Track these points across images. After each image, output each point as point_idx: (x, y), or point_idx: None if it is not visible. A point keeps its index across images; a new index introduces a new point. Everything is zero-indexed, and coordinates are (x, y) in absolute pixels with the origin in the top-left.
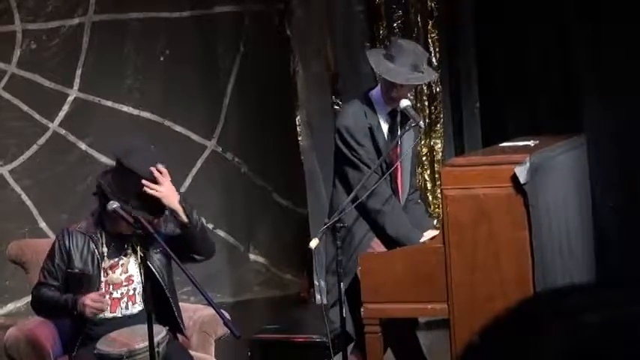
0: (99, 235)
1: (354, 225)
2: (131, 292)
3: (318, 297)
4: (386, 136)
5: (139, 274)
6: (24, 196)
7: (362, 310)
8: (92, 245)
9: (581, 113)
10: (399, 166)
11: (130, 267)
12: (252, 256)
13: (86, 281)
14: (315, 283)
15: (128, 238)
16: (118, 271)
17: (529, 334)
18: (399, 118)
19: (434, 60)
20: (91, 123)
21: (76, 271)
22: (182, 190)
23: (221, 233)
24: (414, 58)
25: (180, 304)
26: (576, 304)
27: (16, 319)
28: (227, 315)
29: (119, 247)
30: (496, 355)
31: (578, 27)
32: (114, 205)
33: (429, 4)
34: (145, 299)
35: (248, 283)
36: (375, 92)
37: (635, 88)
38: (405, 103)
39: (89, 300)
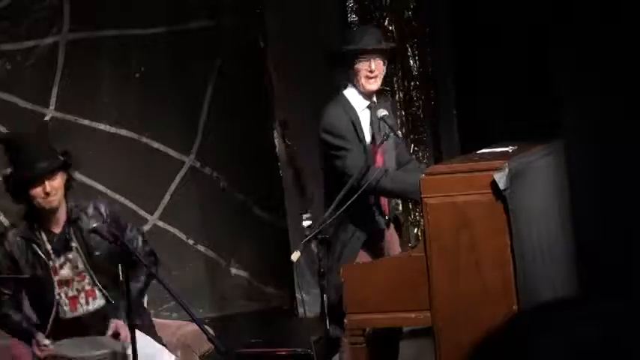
0: (38, 234)
1: (338, 237)
2: (87, 287)
3: (301, 310)
4: (367, 131)
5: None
6: (2, 218)
7: (345, 321)
8: (35, 247)
9: (559, 116)
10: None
11: (79, 262)
12: (233, 271)
13: (38, 285)
14: (297, 296)
15: (68, 232)
16: (67, 267)
17: (521, 349)
18: (378, 111)
19: (411, 63)
20: (69, 142)
21: (26, 276)
22: (161, 206)
23: (201, 248)
24: (375, 34)
25: (162, 320)
26: (566, 318)
27: None
28: (211, 330)
29: (62, 243)
30: None
31: (554, 29)
32: (93, 224)
33: (406, 13)
34: (128, 312)
35: (230, 298)
36: (348, 90)
37: (612, 89)
38: (382, 112)
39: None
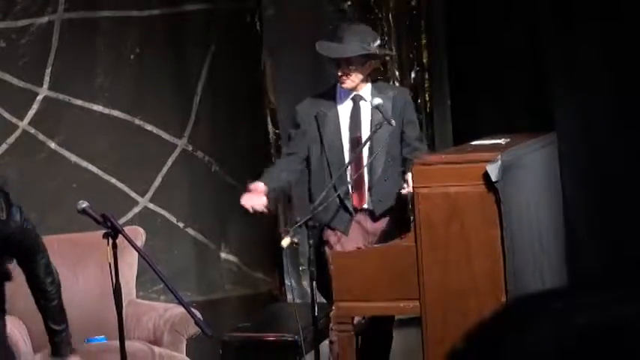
0: None
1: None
2: None
3: (289, 296)
4: (345, 121)
5: None
6: None
7: (333, 308)
8: None
9: (552, 110)
10: (362, 160)
11: None
12: (223, 255)
13: None
14: (287, 282)
15: None
16: None
17: (516, 336)
18: (362, 104)
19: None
20: (61, 122)
21: None
22: (152, 189)
23: (191, 232)
24: (345, 36)
25: (150, 302)
26: (562, 306)
27: None
28: (198, 314)
29: None
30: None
31: (550, 25)
32: (83, 204)
33: (405, 6)
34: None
35: (219, 282)
36: None
37: (605, 86)
38: (377, 100)
39: None
